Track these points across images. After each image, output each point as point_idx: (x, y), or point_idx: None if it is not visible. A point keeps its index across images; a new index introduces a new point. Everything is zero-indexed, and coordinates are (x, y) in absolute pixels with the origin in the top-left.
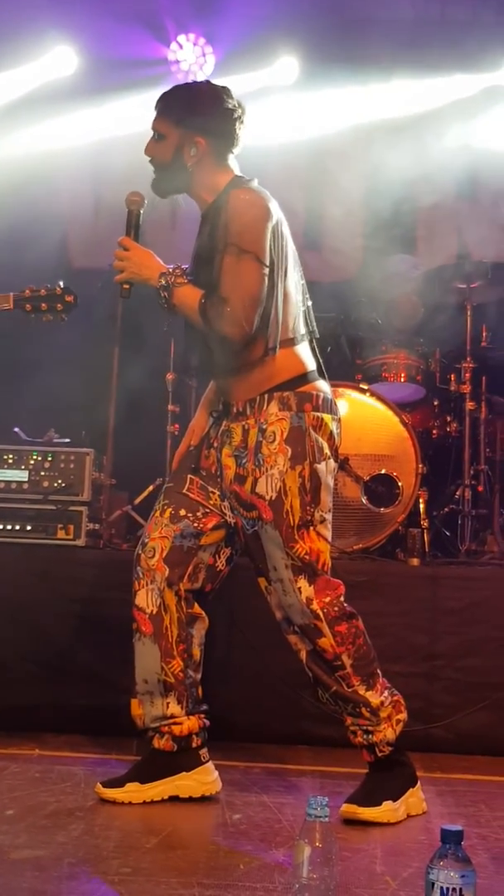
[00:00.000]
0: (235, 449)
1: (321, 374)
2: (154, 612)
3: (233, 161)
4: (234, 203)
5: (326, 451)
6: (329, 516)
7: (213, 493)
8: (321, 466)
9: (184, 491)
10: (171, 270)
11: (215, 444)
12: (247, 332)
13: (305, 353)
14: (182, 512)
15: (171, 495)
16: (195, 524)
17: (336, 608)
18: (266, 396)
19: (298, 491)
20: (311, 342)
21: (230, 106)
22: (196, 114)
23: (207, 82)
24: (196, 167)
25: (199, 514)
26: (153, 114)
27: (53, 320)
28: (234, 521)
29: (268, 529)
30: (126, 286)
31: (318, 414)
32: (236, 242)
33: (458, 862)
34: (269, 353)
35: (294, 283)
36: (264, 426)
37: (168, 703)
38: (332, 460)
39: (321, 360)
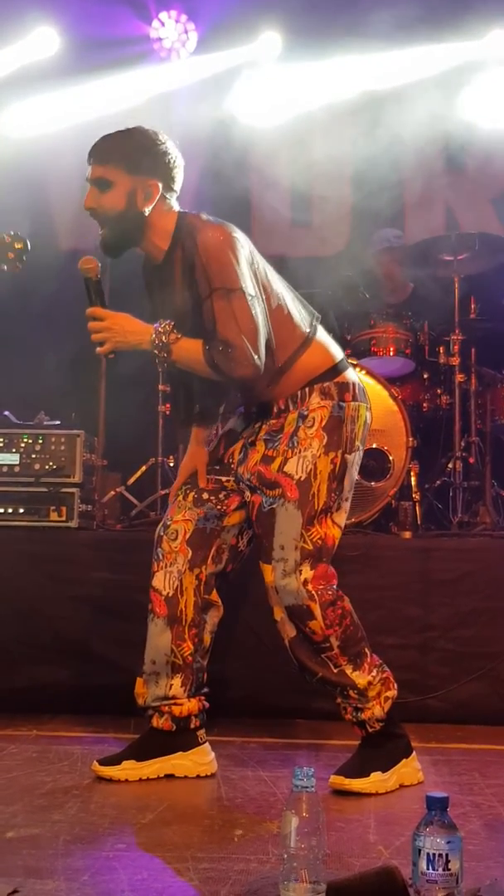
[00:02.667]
0: (268, 434)
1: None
2: (170, 594)
3: (175, 203)
4: (204, 246)
5: (358, 441)
6: (347, 505)
7: (228, 481)
8: (351, 457)
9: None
10: (161, 329)
11: (244, 437)
12: (259, 367)
13: (330, 343)
14: (205, 495)
15: (194, 481)
16: (218, 506)
17: (329, 592)
18: (307, 389)
19: (328, 477)
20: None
21: (170, 149)
22: (145, 157)
23: (141, 127)
24: (151, 213)
25: (221, 496)
26: (89, 166)
27: (9, 269)
28: (249, 500)
29: (289, 508)
30: (112, 356)
31: (357, 404)
32: (221, 285)
33: (443, 828)
34: (291, 362)
35: (279, 287)
36: (305, 413)
37: (171, 685)
38: (360, 450)
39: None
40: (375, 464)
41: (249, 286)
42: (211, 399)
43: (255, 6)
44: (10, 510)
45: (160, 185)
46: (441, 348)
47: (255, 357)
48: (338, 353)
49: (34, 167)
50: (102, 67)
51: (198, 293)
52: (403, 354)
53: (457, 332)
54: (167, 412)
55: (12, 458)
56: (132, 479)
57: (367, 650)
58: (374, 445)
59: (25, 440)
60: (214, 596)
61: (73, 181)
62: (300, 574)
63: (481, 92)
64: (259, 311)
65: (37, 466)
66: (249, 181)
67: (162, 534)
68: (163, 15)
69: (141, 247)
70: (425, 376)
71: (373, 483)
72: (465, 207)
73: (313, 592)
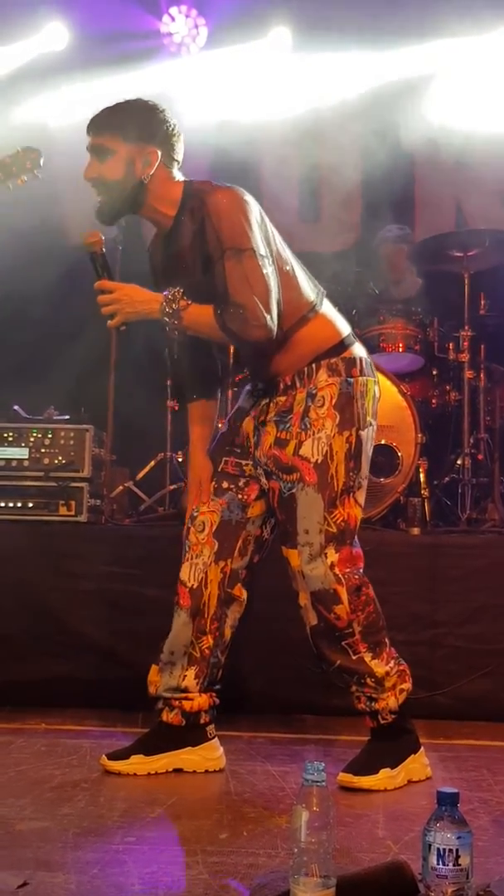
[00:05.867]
0: (277, 414)
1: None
2: (195, 586)
3: (179, 174)
4: (215, 207)
5: (370, 416)
6: (366, 482)
7: (247, 465)
8: (365, 433)
9: (220, 468)
10: (171, 297)
11: (254, 416)
12: (272, 329)
13: (337, 317)
14: (224, 484)
15: (214, 473)
16: (239, 495)
17: (356, 577)
18: (314, 366)
19: (345, 457)
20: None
21: (168, 119)
22: (143, 125)
23: (140, 98)
24: (150, 180)
25: (240, 484)
26: (88, 136)
27: (28, 180)
28: (267, 487)
29: (309, 492)
30: (123, 328)
31: (364, 378)
32: (232, 245)
33: (454, 823)
34: (295, 328)
35: (287, 254)
36: (314, 391)
37: (185, 676)
38: (373, 426)
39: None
40: (384, 460)
41: (261, 247)
42: (208, 363)
43: (265, 1)
44: (19, 504)
45: (159, 153)
46: (450, 344)
47: (268, 318)
48: (345, 327)
49: (44, 161)
50: (112, 63)
51: (208, 255)
52: (412, 350)
53: (466, 328)
54: (175, 407)
55: (22, 453)
56: (141, 474)
57: (386, 640)
58: (382, 442)
59: (35, 435)
60: (238, 590)
61: (82, 176)
62: (326, 557)
63: (493, 86)
64: (271, 273)
65: (46, 461)
66: (257, 176)
67: (190, 525)
68: (173, 10)
69: (145, 216)
70: (434, 372)
71: (381, 479)
72: (475, 203)
73: (340, 576)
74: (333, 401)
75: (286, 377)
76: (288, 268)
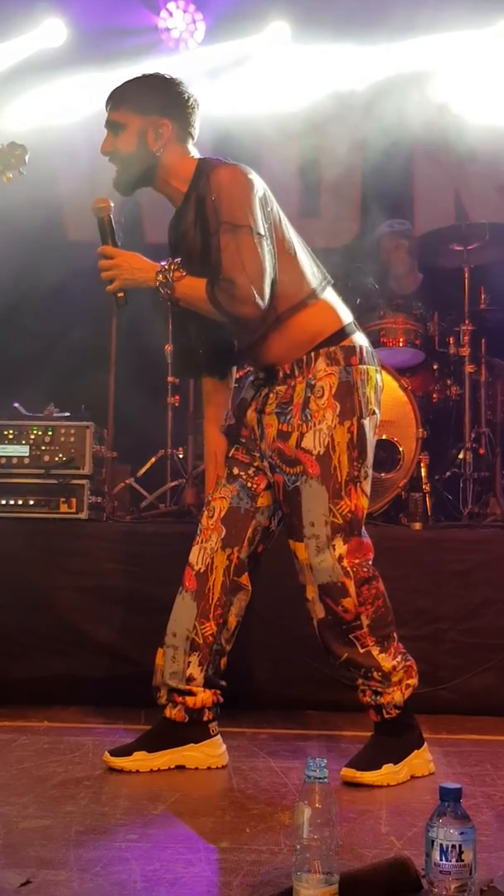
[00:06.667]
0: (278, 406)
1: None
2: (201, 570)
3: (194, 149)
4: (217, 182)
5: (372, 404)
6: (371, 471)
7: (255, 455)
8: (367, 422)
9: (231, 454)
10: (166, 266)
11: (254, 406)
12: (261, 307)
13: (339, 305)
14: (235, 471)
15: (226, 459)
16: (248, 483)
17: (364, 569)
18: (313, 354)
19: (347, 447)
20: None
21: (185, 91)
22: (156, 98)
23: (157, 72)
24: (163, 153)
25: (250, 472)
26: (106, 112)
27: (14, 177)
28: (273, 480)
29: (313, 484)
30: (121, 294)
31: (365, 367)
32: (228, 220)
33: (457, 819)
34: (292, 312)
35: (292, 238)
36: (313, 382)
37: (189, 662)
38: (376, 414)
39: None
40: (385, 455)
41: (259, 226)
42: (216, 341)
43: None
44: (20, 502)
45: (171, 125)
46: (451, 339)
47: (258, 297)
48: (346, 316)
49: (42, 157)
50: (110, 58)
51: (208, 230)
52: (413, 345)
53: (466, 322)
54: (176, 404)
55: (22, 450)
56: (142, 471)
57: (394, 635)
58: (383, 436)
59: (35, 432)
60: (244, 579)
61: (81, 171)
62: (334, 549)
63: (492, 79)
64: (266, 252)
65: (46, 458)
66: (256, 171)
67: (204, 509)
68: (171, 5)
69: (160, 190)
70: (435, 367)
71: (382, 474)
72: (475, 197)
73: (348, 569)
74: (333, 390)
75: (285, 366)
76: (291, 252)
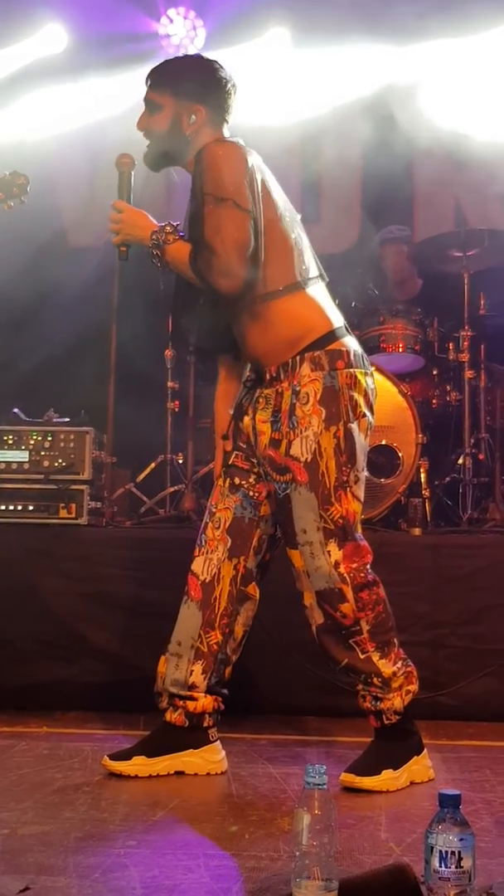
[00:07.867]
0: (272, 414)
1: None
2: (207, 580)
3: (226, 132)
4: (207, 155)
5: (361, 408)
6: (363, 475)
7: (254, 462)
8: (355, 426)
9: (231, 461)
10: (161, 228)
11: (249, 412)
12: (238, 280)
13: (328, 306)
14: (237, 480)
15: (226, 467)
16: (251, 492)
17: (362, 574)
18: (298, 358)
19: (334, 452)
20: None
21: (223, 76)
22: (193, 83)
23: (199, 55)
24: (195, 136)
25: (251, 480)
26: (144, 88)
27: (14, 206)
28: (268, 488)
29: (302, 491)
30: (123, 248)
31: (351, 370)
32: (212, 191)
33: (456, 825)
34: (273, 297)
35: (290, 226)
36: (298, 388)
37: (192, 671)
38: (367, 417)
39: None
40: (385, 460)
41: (244, 200)
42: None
43: (263, 1)
44: (19, 507)
45: (205, 111)
46: (450, 345)
47: (236, 270)
48: (336, 319)
49: (42, 163)
50: (110, 64)
51: (198, 202)
52: (413, 351)
53: (466, 328)
54: (176, 409)
55: (21, 456)
56: (141, 476)
57: (395, 640)
58: (383, 442)
59: (35, 437)
60: (252, 588)
61: (81, 177)
62: (329, 556)
63: (492, 86)
64: (250, 228)
65: (46, 464)
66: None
67: (208, 521)
68: (171, 11)
69: (187, 168)
70: (434, 373)
71: (382, 480)
72: (475, 203)
73: (345, 575)
74: (318, 396)
75: (271, 368)
76: (285, 235)
